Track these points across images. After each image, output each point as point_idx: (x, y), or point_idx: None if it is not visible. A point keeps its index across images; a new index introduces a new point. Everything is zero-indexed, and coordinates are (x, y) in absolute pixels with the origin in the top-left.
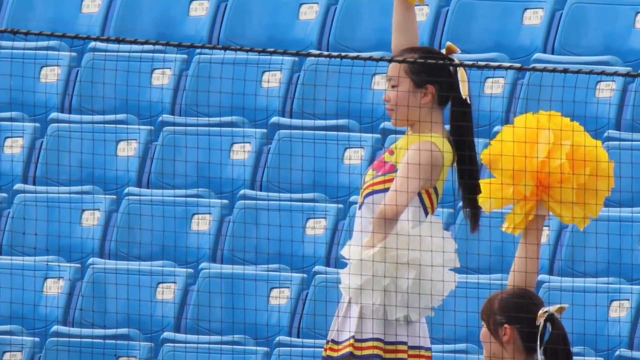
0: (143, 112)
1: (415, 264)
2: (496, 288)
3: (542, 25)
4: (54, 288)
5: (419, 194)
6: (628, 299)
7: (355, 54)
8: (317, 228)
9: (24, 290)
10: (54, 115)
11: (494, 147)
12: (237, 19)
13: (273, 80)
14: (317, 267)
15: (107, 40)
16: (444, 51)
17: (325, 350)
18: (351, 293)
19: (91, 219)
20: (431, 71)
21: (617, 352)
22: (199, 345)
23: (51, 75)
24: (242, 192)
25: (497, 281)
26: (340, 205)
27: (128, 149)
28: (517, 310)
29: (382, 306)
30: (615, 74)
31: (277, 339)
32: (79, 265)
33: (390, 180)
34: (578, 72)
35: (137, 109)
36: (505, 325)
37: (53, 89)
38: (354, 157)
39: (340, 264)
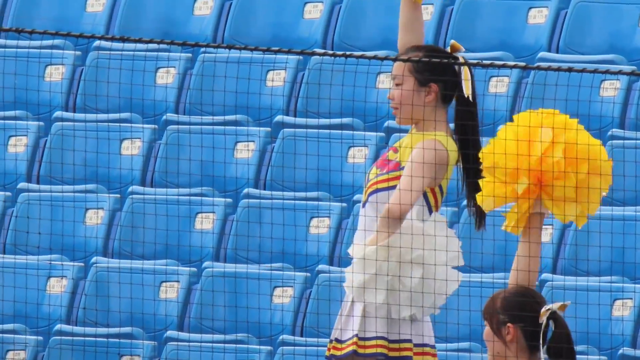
0: (147, 111)
1: (419, 262)
2: (499, 287)
3: (546, 24)
4: (58, 287)
5: (424, 193)
6: (631, 298)
7: (359, 53)
8: (320, 227)
9: (28, 289)
10: (58, 114)
11: (490, 146)
12: (242, 18)
13: (277, 79)
14: (321, 266)
15: (112, 39)
16: (448, 49)
17: (329, 349)
18: (354, 291)
19: (95, 218)
20: (435, 70)
21: (621, 351)
22: (203, 344)
23: (55, 74)
24: (245, 190)
25: (501, 280)
26: (344, 204)
27: (132, 148)
28: (520, 309)
29: (386, 304)
30: (620, 72)
31: (281, 337)
32: (82, 264)
33: (394, 179)
34: (582, 71)
35: (142, 108)
36: (508, 324)
37: (57, 87)
38: (358, 155)
39: (344, 262)
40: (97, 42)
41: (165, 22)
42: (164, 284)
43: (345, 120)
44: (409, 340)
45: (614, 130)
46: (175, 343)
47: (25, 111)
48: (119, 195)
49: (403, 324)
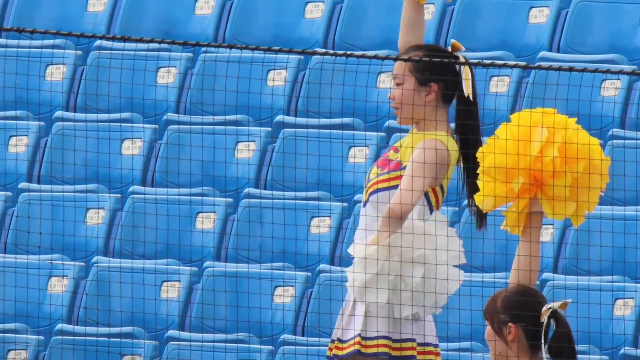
0: (148, 111)
1: (421, 262)
2: (500, 286)
3: (547, 23)
4: (59, 286)
5: (425, 192)
6: (632, 298)
7: (360, 53)
8: (321, 226)
9: (29, 289)
10: (58, 113)
11: (488, 146)
12: (243, 18)
13: (278, 78)
14: (322, 266)
15: (113, 39)
16: (449, 49)
17: (331, 349)
18: (356, 291)
19: (95, 218)
20: (435, 69)
21: (622, 351)
22: (204, 343)
23: (56, 74)
24: (246, 190)
25: (502, 279)
26: (345, 204)
27: (133, 148)
28: (521, 309)
29: (389, 304)
30: (621, 72)
31: (282, 337)
32: (83, 264)
33: (395, 178)
34: (583, 70)
35: (142, 108)
36: (510, 324)
37: (58, 87)
38: (359, 155)
39: (345, 262)
40: (98, 42)
41: (166, 22)
42: (165, 283)
43: (346, 120)
44: (412, 340)
45: (614, 130)
46: (177, 343)
47: (26, 111)
48: (119, 195)
49: (406, 323)
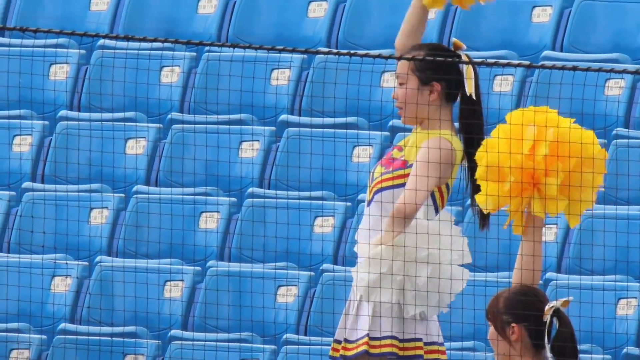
0: (152, 110)
1: (429, 262)
2: (504, 286)
3: (550, 22)
4: (62, 286)
5: (431, 192)
6: (635, 297)
7: (364, 52)
8: (325, 226)
9: (32, 288)
10: (62, 113)
11: (483, 146)
12: (246, 17)
13: (282, 77)
14: (325, 265)
15: (116, 38)
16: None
17: (336, 350)
18: (364, 291)
19: (99, 217)
20: (437, 68)
21: (625, 350)
22: (207, 343)
23: (60, 73)
24: (250, 190)
25: (505, 279)
26: (349, 204)
27: (137, 147)
28: (523, 309)
29: (397, 304)
30: (624, 71)
31: (285, 336)
32: (86, 263)
33: (399, 177)
34: (587, 69)
35: (146, 107)
36: (513, 324)
37: (62, 86)
38: (363, 154)
39: (349, 261)
40: (101, 41)
41: (169, 21)
42: (168, 283)
43: (350, 119)
44: (420, 339)
45: (618, 129)
46: (180, 342)
47: (30, 110)
48: (123, 195)
49: (412, 323)
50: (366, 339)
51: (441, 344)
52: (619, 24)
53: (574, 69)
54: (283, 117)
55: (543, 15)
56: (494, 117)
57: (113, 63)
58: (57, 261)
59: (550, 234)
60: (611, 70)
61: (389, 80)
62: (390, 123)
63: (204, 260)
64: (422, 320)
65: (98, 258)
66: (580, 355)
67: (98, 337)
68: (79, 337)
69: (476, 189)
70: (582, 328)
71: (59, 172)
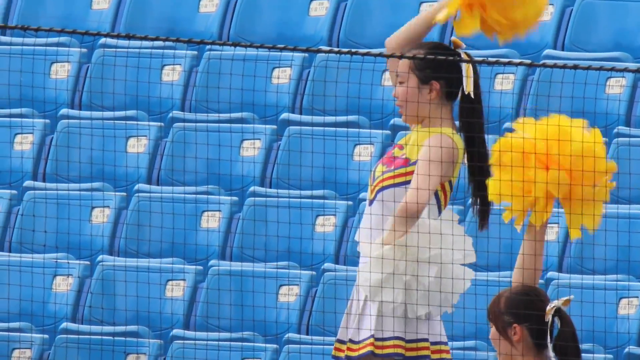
0: (153, 109)
1: (435, 261)
2: (505, 285)
3: (552, 21)
4: (63, 285)
5: (435, 191)
6: (637, 297)
7: (365, 51)
8: (326, 225)
9: (33, 288)
10: (64, 111)
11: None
12: (247, 15)
13: (283, 76)
14: (327, 265)
15: (118, 37)
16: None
17: (339, 350)
18: (370, 291)
19: (101, 216)
20: (436, 67)
21: (626, 350)
22: (208, 342)
23: (61, 72)
24: (251, 189)
25: (506, 278)
26: (350, 202)
27: (138, 146)
28: (525, 309)
29: (402, 304)
30: (626, 70)
31: (286, 336)
32: (88, 263)
33: (400, 175)
34: (588, 68)
35: (147, 106)
36: (514, 325)
37: (63, 85)
38: (364, 153)
39: (350, 260)
40: (102, 40)
41: (170, 20)
42: (170, 282)
43: (351, 117)
44: (426, 340)
45: (619, 127)
46: (181, 341)
47: (31, 109)
48: (125, 194)
49: (419, 323)
50: (371, 339)
51: (446, 344)
52: (620, 22)
53: (575, 67)
54: (284, 115)
55: (544, 14)
56: (495, 116)
57: (114, 62)
58: (58, 260)
59: (551, 233)
60: (612, 69)
61: (389, 79)
62: (392, 122)
63: (205, 259)
64: (427, 320)
65: (100, 257)
66: (582, 355)
67: (100, 337)
68: (80, 336)
69: (477, 188)
70: (583, 328)
71: (60, 171)
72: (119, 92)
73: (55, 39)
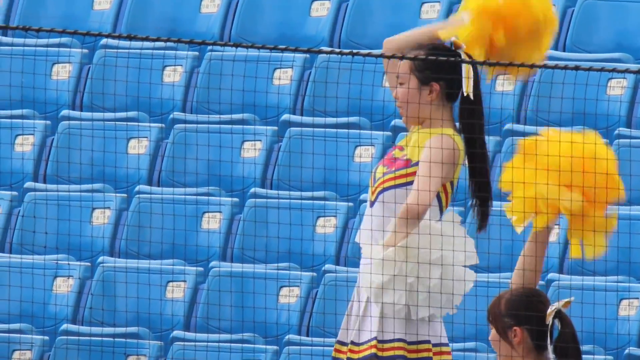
0: (154, 110)
1: (439, 263)
2: (506, 287)
3: None
4: (64, 286)
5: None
6: (637, 298)
7: (366, 51)
8: (327, 226)
9: (34, 289)
10: (65, 112)
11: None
12: (249, 16)
13: (284, 77)
14: (327, 266)
15: (119, 38)
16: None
17: (339, 351)
18: (373, 292)
19: (101, 218)
20: (436, 68)
21: (627, 351)
22: (209, 343)
23: (63, 73)
24: (252, 190)
25: (507, 279)
26: (351, 204)
27: (139, 147)
28: (525, 311)
29: (405, 306)
30: (627, 71)
31: (287, 337)
32: (89, 264)
33: (401, 176)
34: (589, 69)
35: (148, 107)
36: (515, 328)
37: (64, 86)
38: (365, 155)
39: (351, 262)
40: (104, 41)
41: (172, 21)
42: (170, 283)
43: (352, 119)
44: (428, 342)
45: (620, 129)
46: (182, 343)
47: (32, 110)
48: (125, 195)
49: (421, 324)
50: (374, 342)
51: (447, 345)
52: (622, 23)
53: (576, 68)
54: (285, 116)
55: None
56: (496, 117)
57: (115, 62)
58: (59, 262)
59: (552, 235)
60: (613, 70)
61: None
62: (392, 123)
63: (206, 260)
64: (429, 322)
65: (100, 258)
66: (583, 356)
67: (100, 338)
68: (81, 337)
69: (479, 189)
70: (584, 329)
71: (61, 172)
72: (120, 93)
73: (56, 40)
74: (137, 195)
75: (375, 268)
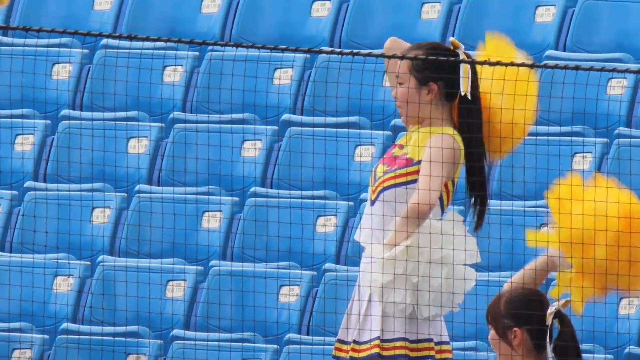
0: (154, 109)
1: (444, 262)
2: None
3: (554, 22)
4: (64, 285)
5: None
6: (637, 297)
7: (367, 51)
8: (327, 225)
9: (34, 288)
10: (65, 112)
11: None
12: (249, 16)
13: (284, 77)
14: (327, 265)
15: (119, 37)
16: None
17: (340, 350)
18: (377, 292)
19: (101, 217)
20: (434, 68)
21: (627, 350)
22: (209, 342)
23: (63, 73)
24: (252, 189)
25: (507, 278)
26: (351, 203)
27: (139, 146)
28: (525, 311)
29: (410, 305)
30: (627, 71)
31: (287, 336)
32: (89, 263)
33: (402, 175)
34: (590, 69)
35: (149, 106)
36: (515, 329)
37: (65, 86)
38: (365, 154)
39: (351, 261)
40: (104, 41)
41: (172, 21)
42: (170, 282)
43: (352, 118)
44: (430, 340)
45: (620, 128)
46: (182, 342)
47: (33, 109)
48: (125, 194)
49: (422, 323)
50: (377, 341)
51: (448, 343)
52: (622, 23)
53: (577, 68)
54: (285, 116)
55: (546, 15)
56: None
57: (116, 62)
58: (59, 261)
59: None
60: (614, 70)
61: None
62: (392, 122)
63: (206, 259)
64: (431, 320)
65: (100, 258)
66: (583, 355)
67: (100, 337)
68: (81, 336)
69: (477, 188)
70: (584, 328)
71: (61, 172)
72: (120, 93)
73: (56, 40)
74: (137, 195)
75: (380, 267)
